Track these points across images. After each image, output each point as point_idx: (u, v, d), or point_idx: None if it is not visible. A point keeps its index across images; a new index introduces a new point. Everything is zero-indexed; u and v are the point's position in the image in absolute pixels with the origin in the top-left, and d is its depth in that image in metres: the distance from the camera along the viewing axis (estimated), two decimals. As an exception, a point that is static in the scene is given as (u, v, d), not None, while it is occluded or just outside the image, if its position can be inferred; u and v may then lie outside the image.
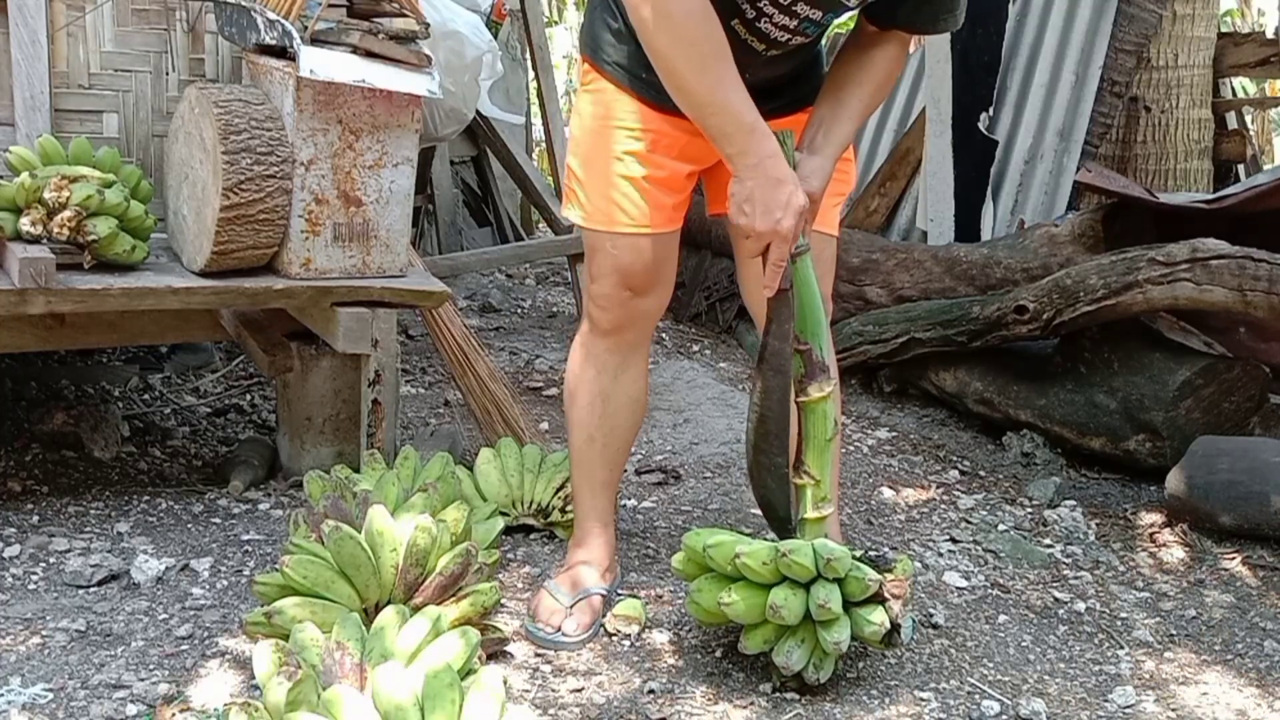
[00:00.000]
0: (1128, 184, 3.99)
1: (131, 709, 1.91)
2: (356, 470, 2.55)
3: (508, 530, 2.58)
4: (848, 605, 1.98)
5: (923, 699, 2.06)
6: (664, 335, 4.56)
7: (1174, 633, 2.38)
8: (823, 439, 2.02)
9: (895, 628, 2.00)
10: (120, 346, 3.65)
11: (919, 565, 2.59)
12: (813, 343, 2.01)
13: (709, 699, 2.03)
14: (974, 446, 3.48)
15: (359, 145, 2.60)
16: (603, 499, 2.37)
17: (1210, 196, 3.67)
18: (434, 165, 5.25)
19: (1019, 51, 4.78)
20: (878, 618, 1.97)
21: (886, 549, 2.11)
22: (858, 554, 2.04)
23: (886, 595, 1.99)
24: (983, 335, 3.47)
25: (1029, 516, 2.94)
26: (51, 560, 2.41)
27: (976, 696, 2.08)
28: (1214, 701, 2.12)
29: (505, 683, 1.97)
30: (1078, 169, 4.44)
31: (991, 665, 2.21)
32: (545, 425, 3.34)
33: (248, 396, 3.59)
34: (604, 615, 2.26)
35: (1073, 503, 3.00)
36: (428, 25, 2.64)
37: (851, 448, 3.38)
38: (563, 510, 2.61)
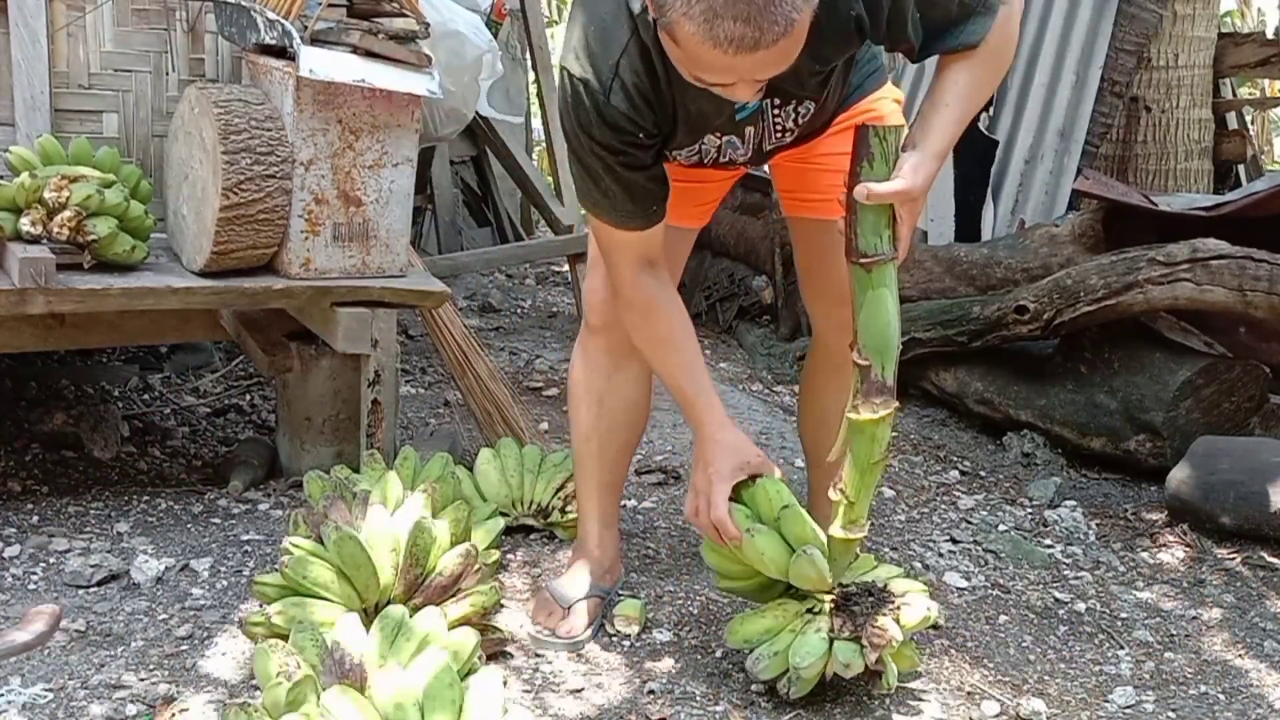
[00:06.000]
0: (1126, 191, 3.99)
1: (131, 709, 1.90)
2: (356, 470, 2.55)
3: (508, 530, 2.58)
4: (833, 634, 1.95)
5: (923, 699, 2.06)
6: (664, 335, 4.55)
7: (1174, 633, 2.38)
8: (866, 461, 1.89)
9: (875, 673, 1.97)
10: (120, 346, 3.65)
11: (919, 565, 2.59)
12: (874, 360, 1.84)
13: (709, 699, 2.02)
14: (974, 446, 3.48)
15: (359, 145, 2.60)
16: (604, 500, 2.36)
17: (1209, 203, 3.67)
18: (434, 165, 5.24)
19: (1019, 52, 4.78)
20: (845, 657, 1.93)
21: (908, 593, 2.05)
22: (878, 582, 2.02)
23: (865, 642, 1.94)
24: (983, 335, 3.47)
25: (1029, 517, 2.94)
26: (51, 560, 2.41)
27: (976, 696, 2.08)
28: (1214, 702, 2.12)
29: (505, 683, 1.98)
30: (1077, 171, 4.43)
31: (991, 665, 2.21)
32: (545, 425, 3.34)
33: (247, 396, 3.59)
34: (604, 616, 2.26)
35: (1073, 503, 3.00)
36: (428, 25, 2.65)
37: (851, 448, 3.38)
38: (563, 510, 2.61)
